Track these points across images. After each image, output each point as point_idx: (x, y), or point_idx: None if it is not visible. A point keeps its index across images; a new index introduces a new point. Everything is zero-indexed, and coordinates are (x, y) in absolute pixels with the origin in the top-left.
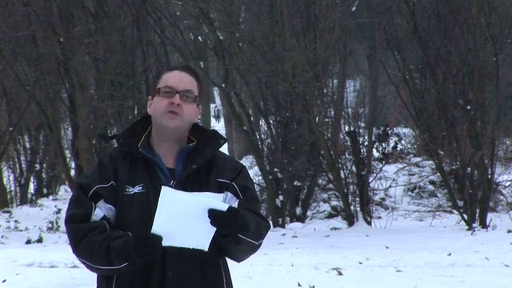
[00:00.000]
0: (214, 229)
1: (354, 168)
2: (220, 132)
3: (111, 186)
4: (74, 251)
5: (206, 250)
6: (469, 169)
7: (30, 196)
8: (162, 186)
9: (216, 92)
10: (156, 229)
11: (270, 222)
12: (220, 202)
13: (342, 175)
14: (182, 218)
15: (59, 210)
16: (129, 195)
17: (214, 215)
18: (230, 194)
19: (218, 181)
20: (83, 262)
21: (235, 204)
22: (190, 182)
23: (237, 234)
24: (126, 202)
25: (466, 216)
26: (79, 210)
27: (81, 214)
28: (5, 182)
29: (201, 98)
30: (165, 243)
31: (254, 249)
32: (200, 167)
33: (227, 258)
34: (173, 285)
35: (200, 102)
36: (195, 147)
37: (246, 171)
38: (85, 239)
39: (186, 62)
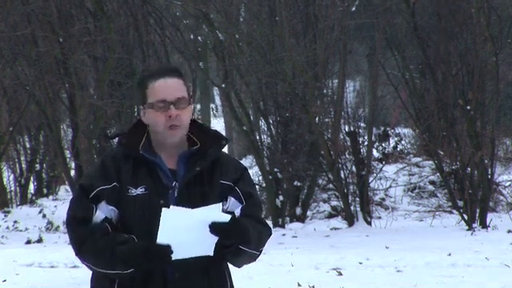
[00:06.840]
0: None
1: (353, 168)
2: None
3: (114, 187)
4: (77, 254)
5: (212, 254)
6: (469, 169)
7: (30, 196)
8: (163, 208)
9: (216, 92)
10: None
11: (271, 226)
12: (220, 212)
13: (342, 175)
14: (185, 233)
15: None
16: (131, 196)
17: (216, 227)
18: (232, 199)
19: (222, 182)
20: (87, 266)
21: (238, 209)
22: (192, 184)
23: (238, 245)
24: (129, 204)
25: (466, 216)
26: (80, 211)
27: (82, 215)
28: (5, 182)
29: (191, 94)
30: (174, 257)
31: (254, 257)
32: (203, 169)
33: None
34: (177, 286)
35: (192, 98)
36: (198, 150)
37: (248, 174)
38: (88, 242)
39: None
